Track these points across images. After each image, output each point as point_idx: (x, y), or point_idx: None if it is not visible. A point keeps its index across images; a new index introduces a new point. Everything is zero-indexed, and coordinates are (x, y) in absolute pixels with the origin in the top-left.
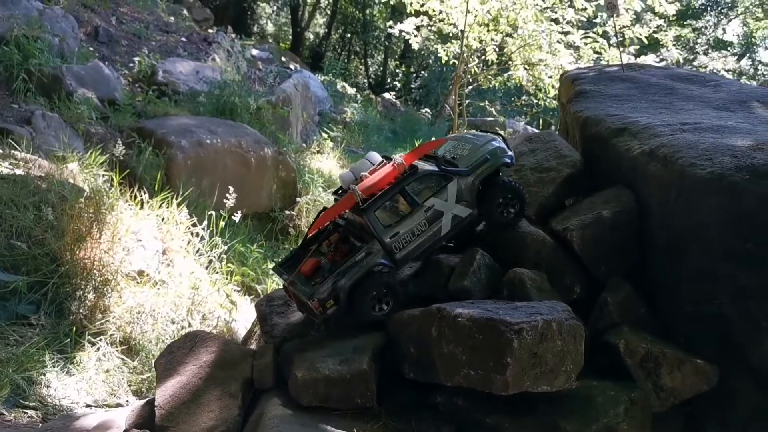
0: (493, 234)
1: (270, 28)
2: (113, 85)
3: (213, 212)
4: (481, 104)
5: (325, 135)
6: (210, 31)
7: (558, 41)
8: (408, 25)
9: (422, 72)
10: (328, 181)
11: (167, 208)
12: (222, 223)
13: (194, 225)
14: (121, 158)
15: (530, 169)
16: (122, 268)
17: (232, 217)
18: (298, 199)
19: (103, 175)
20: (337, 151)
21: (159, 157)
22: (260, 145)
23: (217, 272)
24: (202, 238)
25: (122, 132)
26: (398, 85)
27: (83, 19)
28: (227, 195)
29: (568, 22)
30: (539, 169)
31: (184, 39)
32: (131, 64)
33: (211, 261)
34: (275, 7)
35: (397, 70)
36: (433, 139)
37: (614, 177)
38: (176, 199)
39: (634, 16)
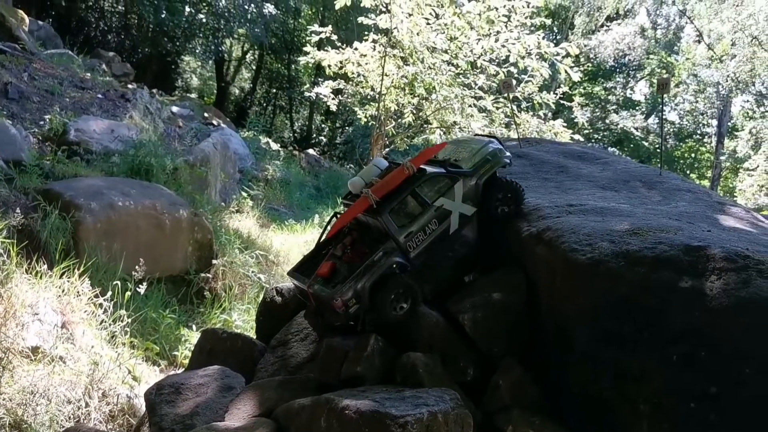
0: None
1: (195, 82)
2: (20, 145)
3: (119, 281)
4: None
5: (245, 194)
6: (130, 86)
7: (471, 105)
8: (325, 89)
9: (347, 127)
10: (246, 242)
11: (69, 277)
12: (129, 291)
13: (99, 294)
14: (20, 226)
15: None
16: (15, 346)
17: (138, 289)
18: (214, 260)
19: (1, 243)
20: (257, 210)
21: (66, 221)
22: (176, 206)
23: (122, 345)
24: (107, 309)
25: (27, 195)
26: (324, 140)
27: None
28: (139, 259)
29: (480, 88)
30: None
31: (100, 96)
32: (42, 123)
33: (114, 334)
34: (200, 62)
35: (323, 125)
36: None
37: (508, 256)
38: (83, 265)
39: (542, 83)
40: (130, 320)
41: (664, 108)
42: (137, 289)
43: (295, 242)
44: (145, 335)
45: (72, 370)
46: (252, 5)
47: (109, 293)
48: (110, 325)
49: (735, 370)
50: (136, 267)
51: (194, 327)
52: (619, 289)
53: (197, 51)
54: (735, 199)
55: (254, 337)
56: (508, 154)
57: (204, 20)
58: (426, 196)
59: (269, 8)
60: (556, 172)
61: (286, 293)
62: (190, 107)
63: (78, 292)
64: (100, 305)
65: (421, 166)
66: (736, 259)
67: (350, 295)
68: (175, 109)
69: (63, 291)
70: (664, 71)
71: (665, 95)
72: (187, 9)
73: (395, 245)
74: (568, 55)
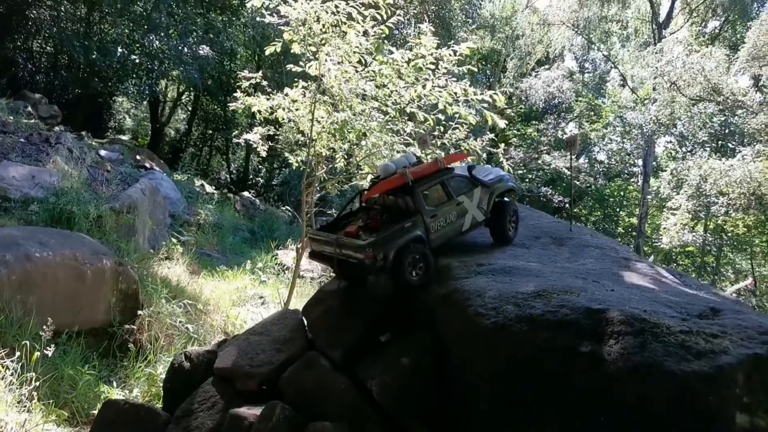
0: (295, 383)
1: (128, 123)
2: None
3: (31, 339)
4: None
5: (175, 240)
6: (57, 129)
7: (399, 152)
8: (254, 135)
9: (284, 168)
10: (175, 290)
11: None
12: (39, 351)
13: (12, 353)
14: None
15: (338, 310)
16: None
17: (46, 350)
18: (139, 311)
19: None
20: (188, 256)
21: None
22: (98, 256)
23: (26, 411)
24: (15, 371)
25: None
26: (261, 181)
27: None
28: (55, 314)
29: (408, 134)
30: (347, 311)
31: (22, 140)
32: None
33: (21, 398)
34: (133, 102)
35: (260, 166)
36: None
37: (420, 317)
38: None
39: (474, 127)
40: (41, 381)
41: (593, 148)
42: (45, 350)
43: (226, 289)
44: (61, 395)
45: None
46: (186, 47)
47: (18, 353)
48: (18, 388)
49: None
50: (44, 327)
51: (115, 383)
52: (522, 353)
53: (130, 92)
54: (660, 237)
55: (161, 405)
56: (514, 181)
57: (137, 61)
58: (451, 190)
59: (205, 50)
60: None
61: (195, 358)
62: (120, 150)
63: None
64: (7, 367)
65: (450, 165)
66: (633, 323)
67: (380, 247)
68: (103, 152)
69: None
70: (592, 113)
71: (573, 152)
72: (120, 49)
73: (421, 220)
74: (494, 102)
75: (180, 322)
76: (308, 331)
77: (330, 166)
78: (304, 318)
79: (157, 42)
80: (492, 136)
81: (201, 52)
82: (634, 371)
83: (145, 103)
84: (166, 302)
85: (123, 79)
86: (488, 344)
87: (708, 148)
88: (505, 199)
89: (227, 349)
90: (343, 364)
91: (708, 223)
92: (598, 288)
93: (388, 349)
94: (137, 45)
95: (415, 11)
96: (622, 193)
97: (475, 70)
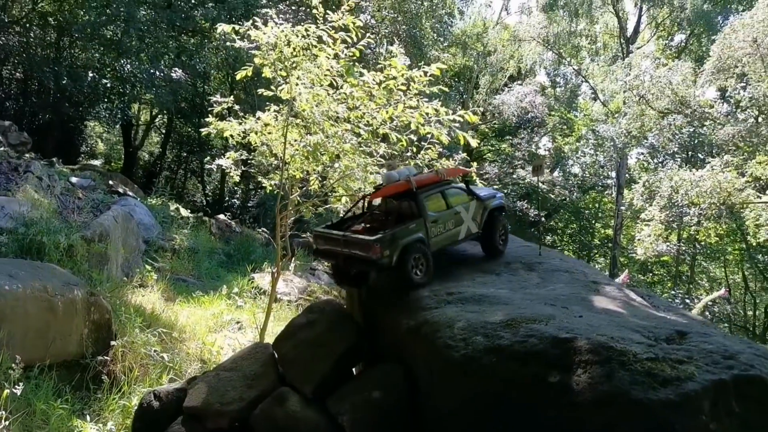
0: (267, 420)
1: (101, 147)
2: None
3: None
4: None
5: (149, 267)
6: (27, 156)
7: (373, 173)
8: (226, 161)
9: (260, 190)
10: (150, 318)
11: None
12: (8, 389)
13: None
14: None
15: (308, 343)
16: None
17: (15, 388)
18: (113, 342)
19: None
20: (162, 283)
21: None
22: (69, 287)
23: None
24: None
25: None
26: (237, 202)
27: None
28: (26, 347)
29: (381, 156)
30: (317, 344)
31: None
32: None
33: None
34: (106, 127)
35: (236, 188)
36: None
37: (391, 349)
38: None
39: (440, 150)
40: (12, 419)
41: (567, 162)
42: (15, 388)
43: (202, 315)
44: (34, 430)
45: None
46: (158, 71)
47: None
48: None
49: None
50: (12, 365)
51: (89, 416)
52: (491, 385)
53: (102, 116)
54: (635, 247)
55: None
56: (503, 200)
57: (109, 85)
58: (450, 200)
59: (177, 72)
60: (439, 254)
61: (164, 397)
62: (91, 177)
63: None
64: None
65: (450, 177)
66: (600, 351)
67: (387, 243)
68: (74, 179)
69: None
70: (565, 127)
71: (540, 176)
72: (91, 74)
73: (423, 224)
74: (465, 122)
75: (155, 351)
76: (279, 365)
77: (304, 188)
78: (275, 352)
79: (129, 66)
80: (464, 155)
81: (173, 75)
82: (602, 401)
83: (117, 127)
84: (141, 331)
85: (94, 104)
86: (458, 377)
87: (679, 159)
88: (496, 214)
89: (197, 387)
90: (314, 399)
91: (681, 233)
92: (567, 315)
93: (360, 382)
94: (108, 69)
95: (387, 31)
96: (597, 206)
97: (447, 89)
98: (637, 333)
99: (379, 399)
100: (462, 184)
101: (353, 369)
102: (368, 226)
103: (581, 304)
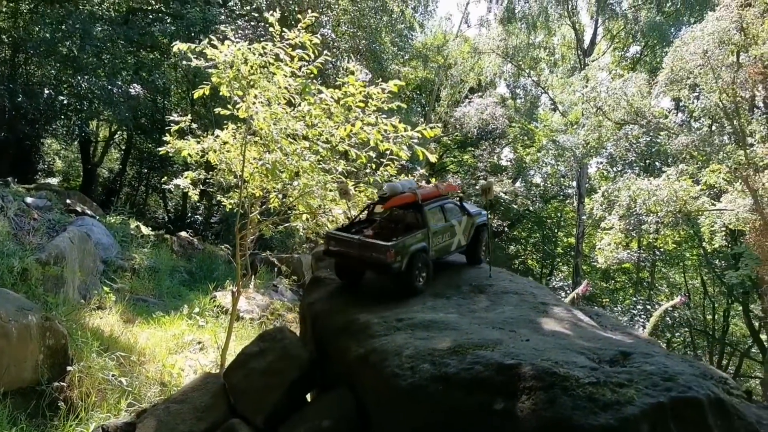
0: None
1: (59, 164)
2: None
3: None
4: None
5: (107, 288)
6: None
7: (332, 191)
8: (184, 180)
9: (223, 206)
10: (108, 341)
11: None
12: None
13: None
14: None
15: (259, 372)
16: None
17: None
18: (69, 367)
19: None
20: (121, 304)
21: None
22: (23, 312)
23: None
24: None
25: None
26: (200, 218)
27: None
28: None
29: (341, 173)
30: (268, 373)
31: None
32: None
33: None
34: (63, 144)
35: (199, 204)
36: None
37: (341, 377)
38: None
39: (401, 165)
40: None
41: (529, 172)
42: None
43: (162, 337)
44: None
45: None
46: (115, 87)
47: None
48: None
49: None
50: None
51: None
52: (438, 414)
53: (59, 133)
54: (596, 256)
55: None
56: (486, 219)
57: (65, 102)
58: (447, 214)
59: (136, 89)
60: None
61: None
62: (47, 197)
63: None
64: None
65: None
66: (544, 377)
67: (400, 248)
68: (29, 199)
69: None
70: (526, 138)
71: (489, 198)
72: (47, 91)
73: (426, 234)
74: (424, 137)
75: (113, 375)
76: (230, 395)
77: (264, 206)
78: (225, 382)
79: (85, 82)
80: (422, 171)
81: (132, 91)
82: (545, 427)
83: (75, 143)
84: (98, 355)
85: (51, 121)
86: (406, 406)
87: (637, 168)
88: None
89: (146, 421)
90: (266, 429)
91: (641, 240)
92: (514, 339)
93: (310, 411)
94: (65, 86)
95: (347, 45)
96: (559, 215)
97: (405, 106)
98: (582, 355)
99: (329, 428)
100: (456, 200)
101: (307, 396)
102: (377, 232)
103: (529, 327)
